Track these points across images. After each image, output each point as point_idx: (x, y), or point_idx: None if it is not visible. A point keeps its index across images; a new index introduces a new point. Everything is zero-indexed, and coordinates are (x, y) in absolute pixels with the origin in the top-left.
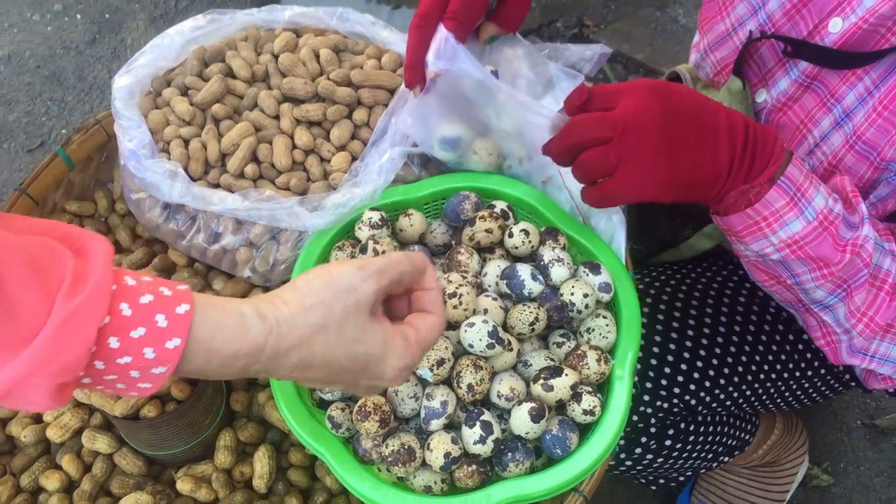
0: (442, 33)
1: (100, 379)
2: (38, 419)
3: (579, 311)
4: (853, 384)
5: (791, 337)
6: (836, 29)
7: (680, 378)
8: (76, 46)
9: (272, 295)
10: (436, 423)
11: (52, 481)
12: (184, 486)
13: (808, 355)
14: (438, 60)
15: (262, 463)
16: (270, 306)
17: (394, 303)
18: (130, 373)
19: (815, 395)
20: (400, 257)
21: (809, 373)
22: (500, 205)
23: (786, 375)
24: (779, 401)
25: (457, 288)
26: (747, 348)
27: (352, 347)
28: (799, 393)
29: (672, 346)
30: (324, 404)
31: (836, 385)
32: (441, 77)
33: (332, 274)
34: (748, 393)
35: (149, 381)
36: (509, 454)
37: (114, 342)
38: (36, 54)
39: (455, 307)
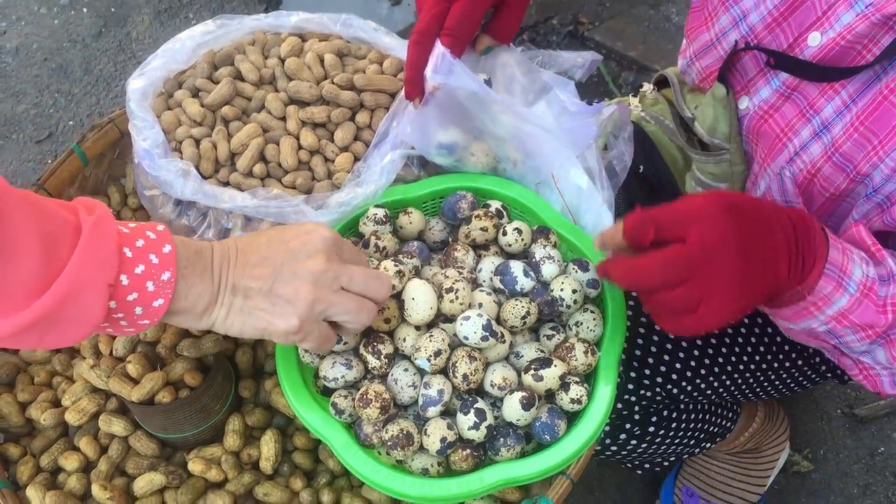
0: (439, 49)
1: (124, 300)
2: (56, 403)
3: (568, 306)
4: (829, 375)
5: (770, 330)
6: (814, 43)
7: (663, 368)
8: (82, 40)
9: None
10: (433, 410)
11: (70, 462)
12: (195, 467)
13: (786, 347)
14: (436, 75)
15: (268, 446)
16: None
17: None
18: (147, 285)
19: (793, 385)
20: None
21: (787, 364)
22: (494, 204)
23: (764, 366)
24: (758, 390)
25: (453, 283)
26: (727, 340)
27: (279, 227)
28: (777, 383)
29: (655, 338)
30: (327, 392)
31: (814, 376)
32: (439, 90)
33: None
34: (728, 382)
35: (161, 296)
36: (501, 439)
37: (127, 252)
38: (43, 47)
39: (451, 301)
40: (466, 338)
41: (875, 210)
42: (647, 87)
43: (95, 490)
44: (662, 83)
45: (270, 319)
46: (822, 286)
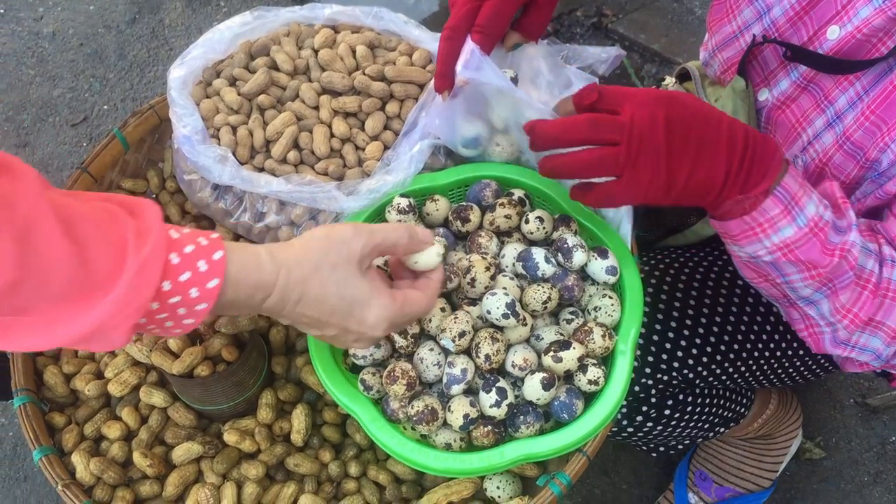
0: (470, 46)
1: (153, 318)
2: (99, 375)
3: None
4: None
5: (784, 319)
6: (833, 36)
7: (679, 353)
8: (117, 26)
9: (284, 242)
10: (456, 388)
11: (113, 430)
12: (230, 437)
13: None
14: (465, 71)
15: (299, 420)
16: (281, 249)
17: (397, 282)
18: (178, 310)
19: (806, 373)
20: (396, 227)
21: (801, 352)
22: (518, 193)
23: (778, 354)
24: (772, 377)
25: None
26: (742, 328)
27: (342, 289)
28: (791, 371)
29: (673, 324)
30: (356, 369)
31: (827, 364)
32: (468, 84)
33: (331, 229)
34: (742, 369)
35: (192, 318)
36: (521, 417)
37: (166, 285)
38: (79, 32)
39: (472, 285)
40: (489, 312)
41: (872, 188)
42: (669, 81)
43: (136, 457)
44: (684, 76)
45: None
46: (768, 206)
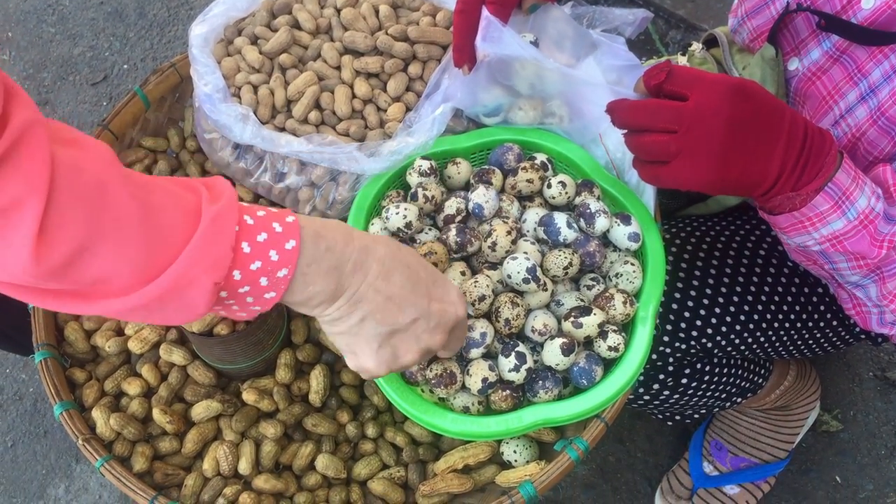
0: (487, 18)
1: (235, 292)
2: (119, 332)
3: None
4: (863, 337)
5: (806, 290)
6: (868, 6)
7: (698, 322)
8: None
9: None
10: (475, 352)
11: (133, 387)
12: (249, 396)
13: (822, 308)
14: (486, 44)
15: (317, 380)
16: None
17: None
18: (260, 280)
19: (826, 345)
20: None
21: (822, 324)
22: (540, 157)
23: (798, 325)
24: (791, 348)
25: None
26: (763, 298)
27: (427, 264)
28: (811, 342)
29: (693, 293)
30: None
31: (847, 337)
32: (489, 57)
33: None
34: (762, 339)
35: (273, 290)
36: (540, 382)
37: (245, 247)
38: None
39: (492, 249)
40: (510, 276)
41: None
42: (696, 47)
43: (156, 414)
44: (711, 43)
45: (367, 354)
46: (818, 202)
